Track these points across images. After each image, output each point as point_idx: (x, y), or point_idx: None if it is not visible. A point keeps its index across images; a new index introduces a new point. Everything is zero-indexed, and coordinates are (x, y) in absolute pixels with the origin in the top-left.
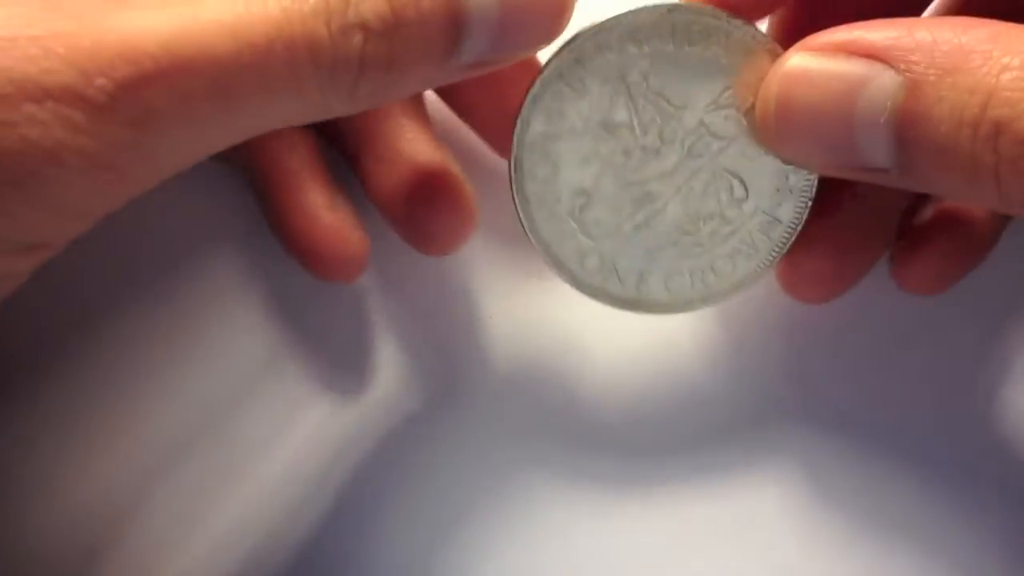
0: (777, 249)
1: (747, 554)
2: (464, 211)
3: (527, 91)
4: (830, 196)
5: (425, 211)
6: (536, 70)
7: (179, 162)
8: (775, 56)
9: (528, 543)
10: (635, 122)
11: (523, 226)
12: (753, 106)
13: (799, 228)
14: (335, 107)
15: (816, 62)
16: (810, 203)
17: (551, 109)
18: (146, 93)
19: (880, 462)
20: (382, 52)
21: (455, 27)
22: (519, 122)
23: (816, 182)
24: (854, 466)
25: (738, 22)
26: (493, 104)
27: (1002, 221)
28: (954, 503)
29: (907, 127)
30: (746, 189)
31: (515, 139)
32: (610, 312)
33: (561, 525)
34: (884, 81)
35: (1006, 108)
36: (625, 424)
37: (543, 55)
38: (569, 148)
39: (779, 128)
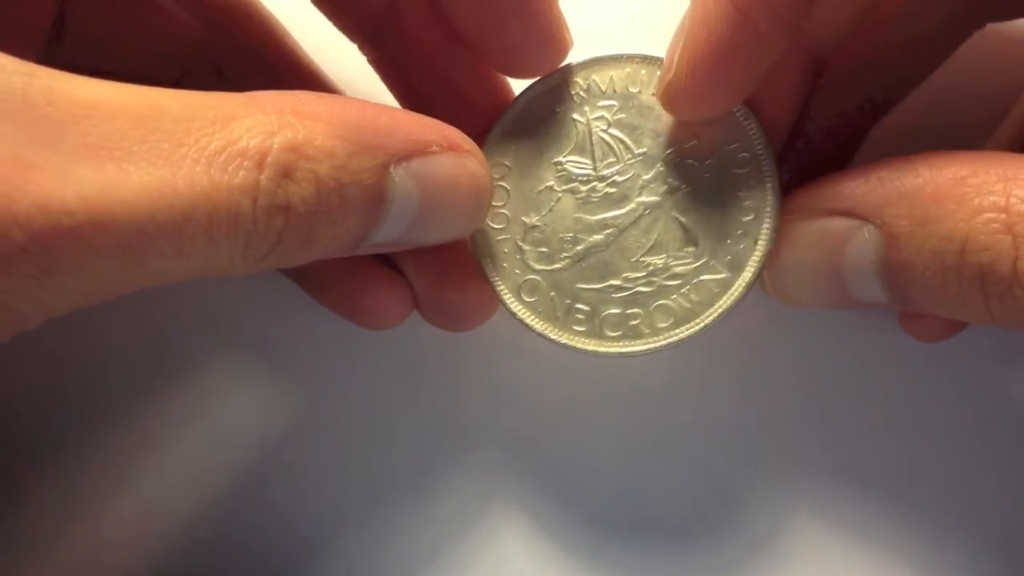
0: (714, 314)
1: None
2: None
3: (515, 100)
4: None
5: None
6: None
7: (74, 306)
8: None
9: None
10: (594, 157)
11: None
12: (713, 155)
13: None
14: (238, 270)
15: (799, 224)
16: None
17: (524, 120)
18: (56, 249)
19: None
20: (300, 233)
21: (374, 217)
22: (501, 117)
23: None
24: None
25: None
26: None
27: None
28: (946, 520)
29: (894, 275)
30: (696, 241)
31: (489, 134)
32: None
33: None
34: (864, 236)
35: (985, 252)
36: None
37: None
38: (529, 164)
39: (774, 285)
